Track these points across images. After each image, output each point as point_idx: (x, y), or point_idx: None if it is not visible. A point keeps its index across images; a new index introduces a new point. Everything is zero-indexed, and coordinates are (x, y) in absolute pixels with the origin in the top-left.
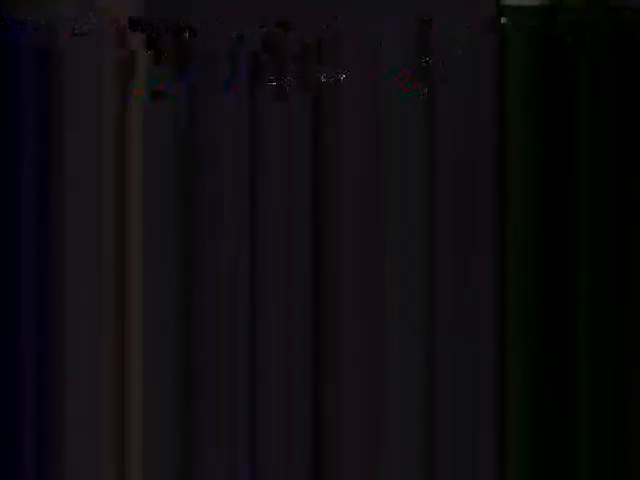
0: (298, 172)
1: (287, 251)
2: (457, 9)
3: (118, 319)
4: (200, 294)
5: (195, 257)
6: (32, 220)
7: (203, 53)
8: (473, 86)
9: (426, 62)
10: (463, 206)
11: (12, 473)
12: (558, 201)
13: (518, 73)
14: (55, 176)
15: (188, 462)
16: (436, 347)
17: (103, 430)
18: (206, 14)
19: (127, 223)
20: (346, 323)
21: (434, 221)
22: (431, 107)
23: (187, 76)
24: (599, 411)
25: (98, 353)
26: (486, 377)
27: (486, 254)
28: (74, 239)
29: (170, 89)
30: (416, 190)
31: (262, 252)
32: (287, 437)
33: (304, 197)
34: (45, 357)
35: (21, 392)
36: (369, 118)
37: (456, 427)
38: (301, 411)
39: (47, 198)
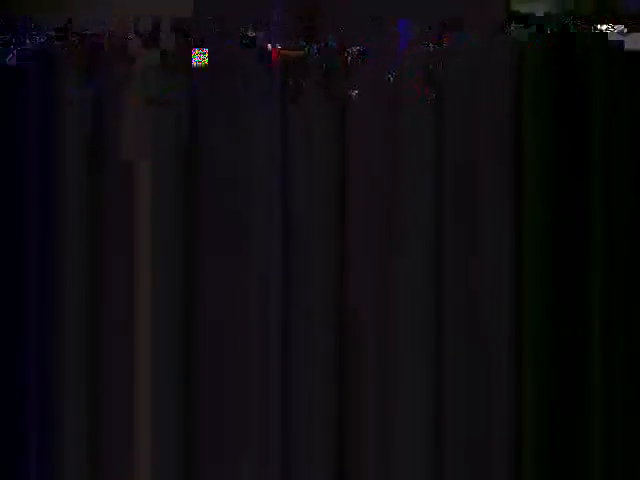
0: (317, 180)
1: (308, 261)
2: (467, 14)
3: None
4: (209, 301)
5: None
6: (32, 224)
7: (224, 61)
8: (485, 92)
9: (438, 68)
10: (476, 211)
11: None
12: (571, 205)
13: (530, 80)
14: (55, 178)
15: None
16: (448, 350)
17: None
18: (222, 19)
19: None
20: (364, 330)
21: (446, 227)
22: (444, 113)
23: (197, 84)
24: (613, 414)
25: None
26: (499, 382)
27: (500, 260)
28: (71, 241)
29: (177, 97)
30: (429, 195)
31: (282, 260)
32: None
33: (325, 205)
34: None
35: (24, 398)
36: (384, 127)
37: (469, 434)
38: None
39: (48, 201)
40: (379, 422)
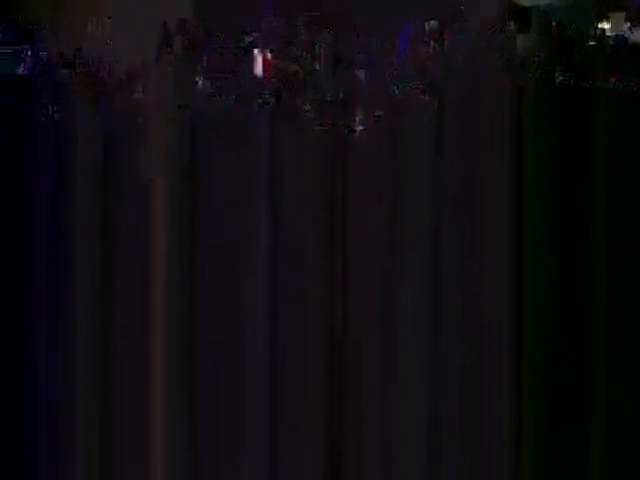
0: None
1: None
2: (468, 8)
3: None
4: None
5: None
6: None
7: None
8: (485, 98)
9: (439, 72)
10: (475, 220)
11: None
12: (571, 208)
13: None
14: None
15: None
16: (448, 356)
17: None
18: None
19: None
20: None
21: (445, 237)
22: (444, 120)
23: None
24: (613, 415)
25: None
26: (499, 387)
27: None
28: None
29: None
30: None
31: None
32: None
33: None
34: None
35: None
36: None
37: (470, 439)
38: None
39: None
40: (379, 432)
